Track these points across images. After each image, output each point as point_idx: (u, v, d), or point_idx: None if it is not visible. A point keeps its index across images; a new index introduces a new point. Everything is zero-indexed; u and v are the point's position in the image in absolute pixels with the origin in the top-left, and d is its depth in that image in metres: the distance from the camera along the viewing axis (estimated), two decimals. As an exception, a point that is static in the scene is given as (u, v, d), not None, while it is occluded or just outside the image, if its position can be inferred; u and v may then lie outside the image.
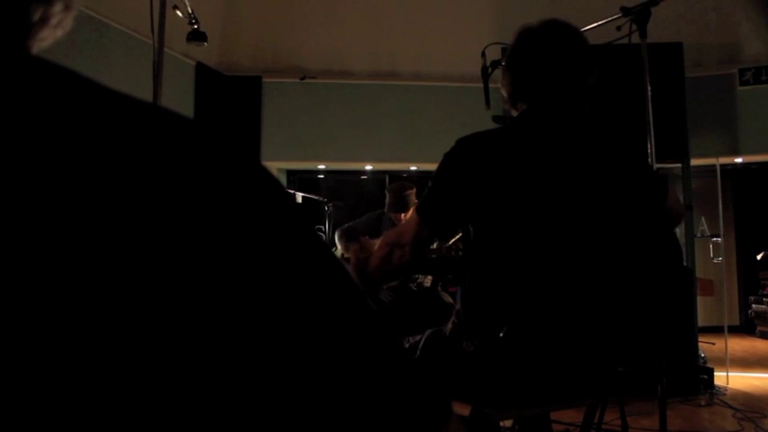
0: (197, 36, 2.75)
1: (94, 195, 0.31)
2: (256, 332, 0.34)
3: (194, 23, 2.72)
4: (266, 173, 0.38)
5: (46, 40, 0.40)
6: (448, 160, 1.40)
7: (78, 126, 0.33)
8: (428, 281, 3.52)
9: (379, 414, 0.37)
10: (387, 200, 3.61)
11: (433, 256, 2.55)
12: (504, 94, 1.50)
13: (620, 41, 2.51)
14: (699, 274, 4.65)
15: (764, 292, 6.36)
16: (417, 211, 1.44)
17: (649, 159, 2.45)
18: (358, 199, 6.02)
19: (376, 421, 0.37)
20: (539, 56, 1.43)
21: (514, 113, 1.50)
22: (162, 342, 0.31)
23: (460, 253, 2.60)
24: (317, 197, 4.70)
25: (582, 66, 1.44)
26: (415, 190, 3.58)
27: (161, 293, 0.32)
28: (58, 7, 0.40)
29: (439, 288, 3.52)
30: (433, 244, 1.59)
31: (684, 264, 3.87)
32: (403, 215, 3.50)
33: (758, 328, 6.32)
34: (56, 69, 0.35)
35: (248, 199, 0.36)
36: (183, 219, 0.33)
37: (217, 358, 0.33)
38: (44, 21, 0.39)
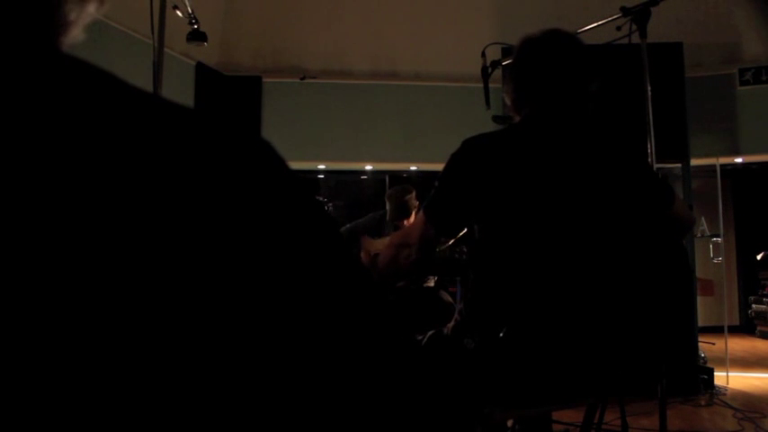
0: (197, 36, 2.75)
1: (100, 184, 0.31)
2: (267, 323, 0.34)
3: (194, 23, 2.72)
4: (276, 160, 0.38)
5: (77, 36, 0.42)
6: (454, 161, 1.42)
7: (91, 119, 0.33)
8: (432, 281, 3.52)
9: (397, 412, 0.37)
10: (387, 208, 3.57)
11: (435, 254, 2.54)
12: (508, 101, 1.53)
13: (620, 41, 2.51)
14: (699, 274, 4.65)
15: (764, 292, 6.36)
16: (424, 210, 1.45)
17: (649, 159, 2.45)
18: (358, 199, 6.02)
19: (394, 418, 0.37)
20: (542, 64, 1.45)
21: (517, 119, 1.52)
22: (166, 334, 0.31)
23: (463, 255, 2.60)
24: (317, 197, 4.70)
25: (584, 73, 1.46)
26: (414, 193, 3.55)
27: (167, 283, 0.32)
28: (92, 7, 0.42)
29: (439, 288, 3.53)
30: (438, 244, 1.60)
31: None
32: (406, 221, 3.45)
33: (758, 328, 6.32)
34: (79, 65, 0.35)
35: (256, 185, 0.36)
36: (190, 207, 0.33)
37: (224, 350, 0.33)
38: (77, 20, 0.41)
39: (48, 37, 0.38)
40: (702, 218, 4.81)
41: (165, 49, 2.34)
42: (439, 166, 1.47)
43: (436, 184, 1.44)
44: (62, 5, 0.39)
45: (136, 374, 0.31)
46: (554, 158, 1.40)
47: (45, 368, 0.29)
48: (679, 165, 4.11)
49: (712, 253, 4.61)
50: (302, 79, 4.91)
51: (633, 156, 1.51)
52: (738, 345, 5.69)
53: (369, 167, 5.61)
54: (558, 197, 1.36)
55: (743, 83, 4.66)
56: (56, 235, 0.30)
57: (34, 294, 0.29)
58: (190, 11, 2.65)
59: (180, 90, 4.45)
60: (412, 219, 3.47)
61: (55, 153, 0.31)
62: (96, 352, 0.30)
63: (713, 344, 4.28)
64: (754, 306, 6.38)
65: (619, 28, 2.46)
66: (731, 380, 3.98)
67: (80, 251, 0.30)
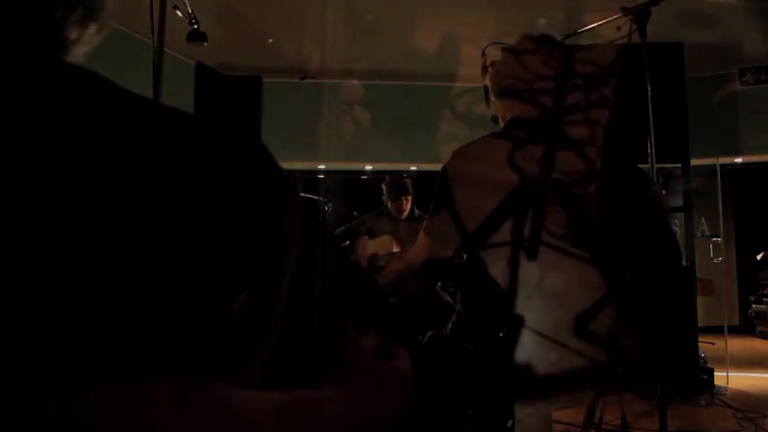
0: (197, 36, 2.75)
1: (98, 186, 0.32)
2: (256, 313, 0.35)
3: (194, 23, 2.72)
4: (267, 162, 0.39)
5: (79, 55, 0.45)
6: (448, 171, 1.41)
7: (92, 122, 0.34)
8: (428, 282, 3.53)
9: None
10: (385, 192, 3.65)
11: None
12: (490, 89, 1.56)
13: (619, 41, 2.51)
14: (699, 274, 4.64)
15: (764, 292, 6.35)
16: (426, 231, 1.44)
17: (649, 159, 2.45)
18: (358, 199, 6.01)
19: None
20: (530, 68, 1.46)
21: (495, 103, 1.51)
22: (162, 338, 0.32)
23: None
24: (317, 197, 4.69)
25: (571, 77, 1.46)
26: (410, 181, 3.65)
27: (163, 285, 0.32)
28: (92, 29, 0.44)
29: (439, 288, 3.53)
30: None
31: (684, 263, 3.87)
32: (404, 199, 3.59)
33: (758, 328, 6.32)
34: (79, 72, 0.37)
35: (250, 189, 0.38)
36: (187, 208, 0.34)
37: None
38: (78, 40, 0.43)
39: (49, 53, 0.40)
40: (702, 218, 4.81)
41: (165, 49, 2.33)
42: (439, 166, 1.46)
43: (432, 204, 1.42)
44: (64, 28, 0.41)
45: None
46: (542, 160, 1.40)
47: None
48: (679, 165, 4.10)
49: (712, 253, 4.61)
50: (302, 79, 4.91)
51: (612, 148, 1.52)
52: (738, 345, 5.69)
53: (369, 167, 5.61)
54: (549, 198, 1.36)
55: (743, 83, 4.66)
56: (43, 233, 0.31)
57: (31, 288, 0.30)
58: (190, 11, 2.65)
59: (180, 90, 4.45)
60: (410, 199, 3.60)
61: (51, 153, 0.32)
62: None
63: (713, 344, 4.28)
64: (754, 306, 6.37)
65: (619, 28, 2.46)
66: (731, 380, 3.97)
67: (67, 244, 0.31)
